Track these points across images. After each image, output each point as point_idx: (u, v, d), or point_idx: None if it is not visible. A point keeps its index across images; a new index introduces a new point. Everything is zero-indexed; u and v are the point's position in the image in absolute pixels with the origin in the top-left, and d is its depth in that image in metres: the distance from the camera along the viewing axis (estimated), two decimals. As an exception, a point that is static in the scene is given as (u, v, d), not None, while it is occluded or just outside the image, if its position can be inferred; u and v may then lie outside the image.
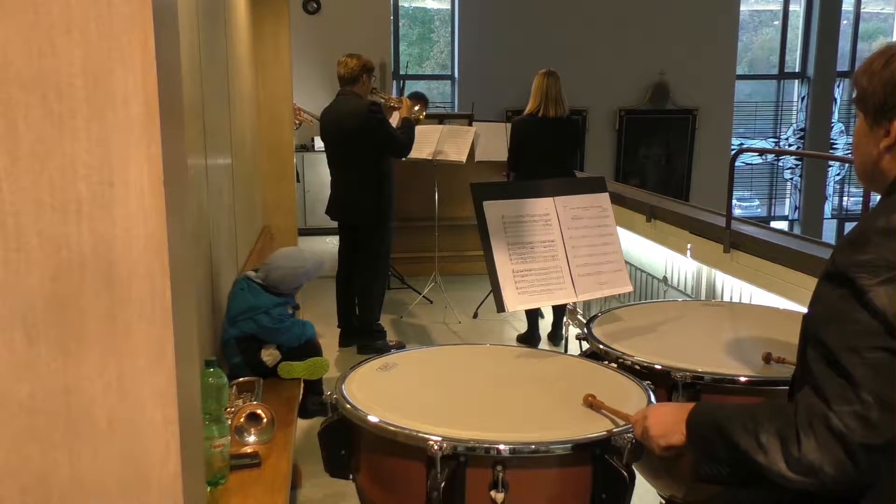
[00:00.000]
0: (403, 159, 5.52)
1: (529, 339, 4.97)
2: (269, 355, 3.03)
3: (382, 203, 4.65)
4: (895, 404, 1.16)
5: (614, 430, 1.62)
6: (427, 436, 1.57)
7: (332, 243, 6.67)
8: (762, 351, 1.97)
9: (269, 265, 3.06)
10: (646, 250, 5.03)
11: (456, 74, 10.10)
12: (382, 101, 4.86)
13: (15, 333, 1.03)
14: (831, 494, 1.26)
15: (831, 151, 11.19)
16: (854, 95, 1.38)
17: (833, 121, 11.24)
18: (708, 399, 1.86)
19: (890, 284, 1.17)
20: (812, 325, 1.29)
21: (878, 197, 1.38)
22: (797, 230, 10.78)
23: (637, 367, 1.98)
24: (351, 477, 1.84)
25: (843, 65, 11.07)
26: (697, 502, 1.95)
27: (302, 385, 3.26)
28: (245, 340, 2.98)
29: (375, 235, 4.69)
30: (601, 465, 1.60)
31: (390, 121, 4.77)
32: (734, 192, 4.41)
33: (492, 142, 5.77)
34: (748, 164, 11.17)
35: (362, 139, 4.49)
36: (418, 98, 6.11)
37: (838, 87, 11.11)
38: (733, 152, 10.38)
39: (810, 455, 1.19)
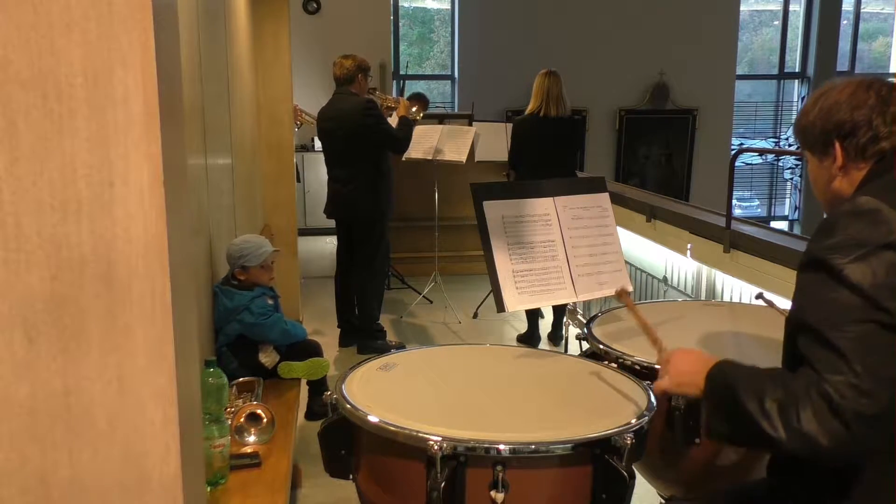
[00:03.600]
0: (403, 159, 5.53)
1: (529, 339, 4.97)
2: (267, 357, 3.02)
3: (380, 201, 4.65)
4: (882, 373, 1.20)
5: (614, 430, 1.62)
6: (427, 436, 1.57)
7: (331, 243, 6.67)
8: (762, 350, 1.97)
9: (230, 254, 3.01)
10: (646, 250, 5.03)
11: (456, 74, 10.10)
12: (379, 101, 4.87)
13: (15, 333, 1.03)
14: (828, 464, 1.32)
15: (831, 151, 11.17)
16: (799, 145, 1.51)
17: (833, 121, 11.22)
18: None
19: (862, 260, 1.23)
20: (796, 317, 1.34)
21: None
22: (797, 230, 10.78)
23: (637, 367, 1.98)
24: (351, 477, 1.84)
25: (843, 65, 11.07)
26: (697, 501, 1.95)
27: (307, 387, 3.26)
28: (237, 344, 2.96)
29: (374, 234, 4.69)
30: (601, 465, 1.60)
31: (389, 122, 4.77)
32: (734, 192, 4.40)
33: (492, 142, 5.76)
34: (748, 164, 11.17)
35: (359, 137, 4.50)
36: (419, 98, 6.11)
37: (838, 87, 11.09)
38: (733, 152, 10.38)
39: (807, 426, 1.23)
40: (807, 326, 1.29)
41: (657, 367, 1.65)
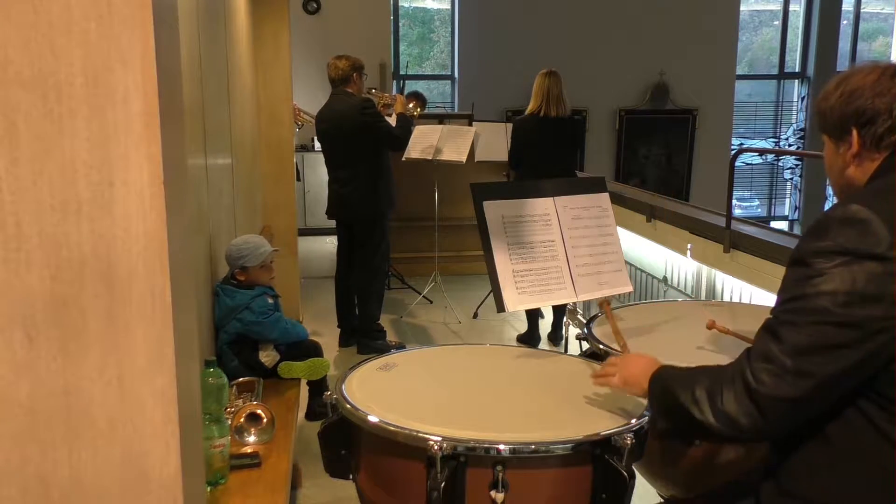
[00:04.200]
0: (403, 159, 5.53)
1: (529, 339, 4.97)
2: (267, 356, 3.02)
3: (380, 201, 4.65)
4: (813, 371, 1.26)
5: (614, 430, 1.62)
6: (427, 436, 1.57)
7: (331, 243, 6.67)
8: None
9: (229, 255, 3.02)
10: (646, 250, 5.03)
11: (456, 74, 10.10)
12: (376, 99, 4.87)
13: (15, 333, 1.03)
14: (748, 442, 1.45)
15: (831, 151, 11.17)
16: (819, 126, 1.50)
17: (833, 121, 11.22)
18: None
19: (843, 268, 1.25)
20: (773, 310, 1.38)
21: None
22: (797, 230, 10.77)
23: (637, 367, 1.98)
24: (351, 477, 1.84)
25: (843, 65, 11.06)
26: (697, 501, 1.95)
27: (307, 387, 3.26)
28: (238, 343, 2.96)
29: (374, 234, 4.69)
30: (601, 465, 1.60)
31: (389, 121, 4.78)
32: (734, 192, 4.40)
33: (492, 142, 5.76)
34: (748, 164, 11.17)
35: (358, 137, 4.50)
36: (416, 96, 6.12)
37: (838, 87, 11.09)
38: (733, 152, 10.38)
39: (728, 406, 1.32)
40: (771, 314, 1.34)
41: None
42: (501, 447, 1.55)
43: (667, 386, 1.48)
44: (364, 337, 4.81)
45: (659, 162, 10.58)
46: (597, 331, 2.22)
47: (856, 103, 1.39)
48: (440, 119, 6.58)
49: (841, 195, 1.49)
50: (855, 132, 1.40)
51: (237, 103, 3.88)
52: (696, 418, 1.37)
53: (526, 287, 2.19)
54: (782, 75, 11.24)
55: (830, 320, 1.25)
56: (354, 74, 4.61)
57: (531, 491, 1.60)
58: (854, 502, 1.34)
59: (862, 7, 11.26)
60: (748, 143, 11.19)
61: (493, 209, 2.22)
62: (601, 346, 2.11)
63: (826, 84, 1.47)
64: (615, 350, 2.06)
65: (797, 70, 11.18)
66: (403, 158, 5.52)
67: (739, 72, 10.81)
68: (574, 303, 2.34)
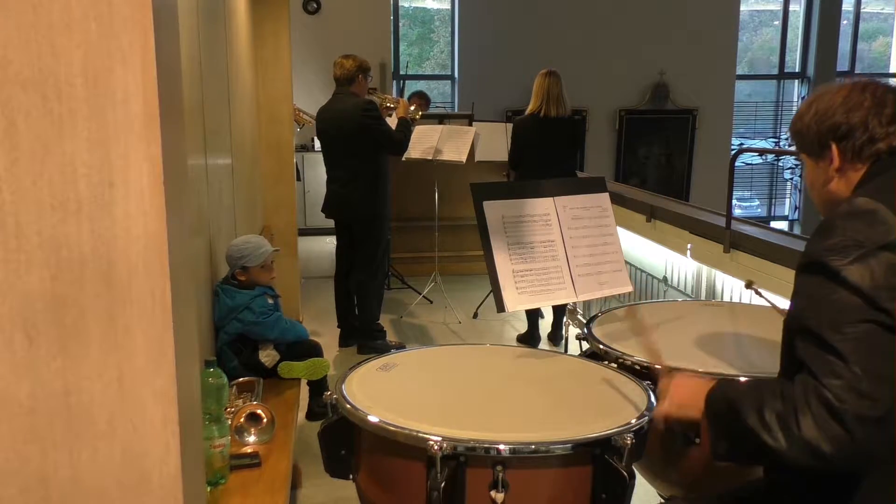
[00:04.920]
0: (403, 159, 5.53)
1: (529, 339, 4.97)
2: (267, 356, 3.02)
3: (379, 201, 4.65)
4: (882, 373, 1.20)
5: (614, 430, 1.62)
6: (427, 436, 1.57)
7: (331, 243, 6.67)
8: (762, 351, 1.96)
9: (230, 255, 3.02)
10: (646, 250, 5.03)
11: (456, 74, 10.10)
12: (379, 101, 4.87)
13: (15, 333, 1.03)
14: (833, 474, 1.30)
15: (831, 151, 11.18)
16: (797, 146, 1.51)
17: (833, 121, 11.22)
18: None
19: (861, 261, 1.23)
20: (796, 320, 1.33)
21: None
22: (797, 230, 10.78)
23: (637, 367, 1.98)
24: (351, 477, 1.84)
25: (843, 65, 11.07)
26: (697, 501, 1.95)
27: (307, 387, 3.26)
28: (237, 343, 2.96)
29: (373, 234, 4.69)
30: (601, 465, 1.60)
31: (389, 122, 4.77)
32: (734, 192, 4.40)
33: (492, 142, 5.76)
34: (748, 164, 11.17)
35: (358, 137, 4.50)
36: (420, 97, 6.11)
37: (838, 87, 11.09)
38: (733, 152, 10.38)
39: (808, 433, 1.22)
40: (805, 329, 1.28)
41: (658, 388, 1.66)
42: (501, 447, 1.55)
43: (731, 405, 1.35)
44: (364, 337, 4.81)
45: (659, 162, 10.58)
46: (597, 331, 2.22)
47: (830, 120, 1.42)
48: (440, 119, 6.58)
49: (825, 211, 1.49)
50: (834, 147, 1.42)
51: (237, 103, 3.88)
52: (768, 444, 1.26)
53: (526, 287, 2.19)
54: (782, 75, 11.24)
55: (867, 318, 1.21)
56: (360, 76, 4.61)
57: (531, 491, 1.60)
58: None
59: (862, 7, 11.25)
60: (748, 143, 11.19)
61: (493, 209, 2.22)
62: (601, 346, 2.11)
63: (799, 106, 1.50)
64: (615, 349, 2.06)
65: (797, 70, 11.17)
66: (403, 158, 5.52)
67: (739, 72, 10.81)
68: (574, 303, 2.34)
